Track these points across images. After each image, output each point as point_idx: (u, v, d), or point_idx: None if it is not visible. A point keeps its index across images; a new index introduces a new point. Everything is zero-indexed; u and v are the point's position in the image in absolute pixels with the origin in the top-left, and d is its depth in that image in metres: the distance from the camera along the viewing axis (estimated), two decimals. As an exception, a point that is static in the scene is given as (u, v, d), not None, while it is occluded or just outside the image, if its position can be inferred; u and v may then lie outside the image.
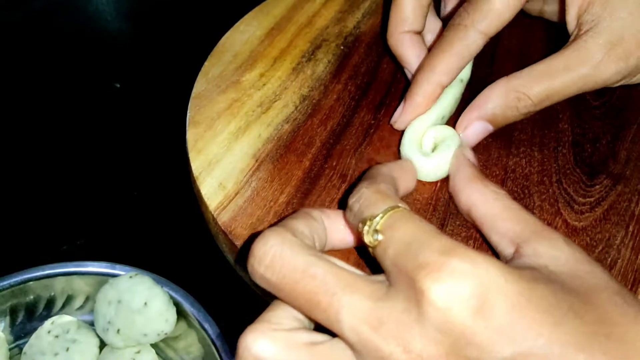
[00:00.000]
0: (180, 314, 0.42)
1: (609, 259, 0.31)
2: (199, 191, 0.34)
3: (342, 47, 0.42)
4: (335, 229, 0.28)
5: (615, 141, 0.37)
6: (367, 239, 0.25)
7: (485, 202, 0.29)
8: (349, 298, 0.22)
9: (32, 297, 0.45)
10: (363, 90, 0.40)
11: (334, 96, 0.39)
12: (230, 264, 0.35)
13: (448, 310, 0.21)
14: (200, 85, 0.40)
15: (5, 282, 0.44)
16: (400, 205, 0.25)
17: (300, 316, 0.24)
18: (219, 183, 0.34)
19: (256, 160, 0.35)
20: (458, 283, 0.21)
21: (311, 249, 0.24)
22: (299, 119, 0.38)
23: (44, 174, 0.55)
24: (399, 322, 0.22)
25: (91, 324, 0.44)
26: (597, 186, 0.35)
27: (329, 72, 0.41)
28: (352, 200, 0.27)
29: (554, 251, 0.25)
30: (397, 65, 0.41)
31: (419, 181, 0.34)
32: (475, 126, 0.34)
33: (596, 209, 0.34)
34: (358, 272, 0.24)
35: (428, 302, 0.21)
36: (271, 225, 0.26)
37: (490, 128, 0.35)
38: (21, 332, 0.46)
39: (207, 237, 0.36)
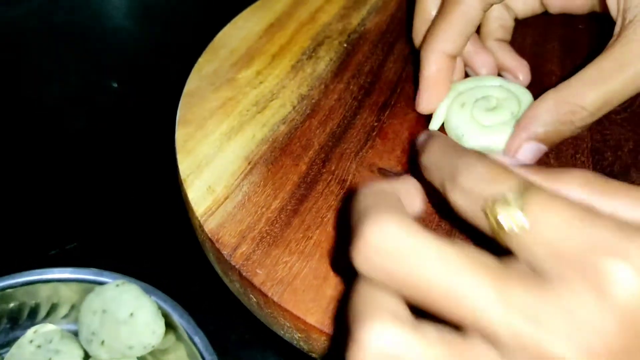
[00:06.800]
0: (169, 325, 0.40)
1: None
2: (186, 195, 0.32)
3: (345, 45, 0.40)
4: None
5: (638, 149, 0.35)
6: (507, 223, 0.20)
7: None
8: (502, 287, 0.19)
9: (15, 304, 0.43)
10: (366, 90, 0.37)
11: (335, 96, 0.37)
12: (219, 275, 0.32)
13: None
14: (193, 82, 0.37)
15: (-12, 288, 0.42)
16: (526, 178, 0.21)
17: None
18: (208, 186, 0.32)
19: (249, 163, 0.33)
20: None
21: (431, 231, 0.20)
22: (297, 120, 0.35)
23: (33, 176, 0.53)
24: (572, 315, 0.18)
25: (76, 333, 0.42)
26: (619, 197, 0.32)
27: (330, 70, 0.38)
28: (466, 179, 0.22)
29: None
30: (402, 65, 0.38)
31: None
32: (526, 149, 0.31)
33: (617, 222, 0.31)
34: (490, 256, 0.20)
35: (615, 287, 0.18)
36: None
37: (543, 148, 0.31)
38: (3, 341, 0.44)
39: (199, 245, 0.33)
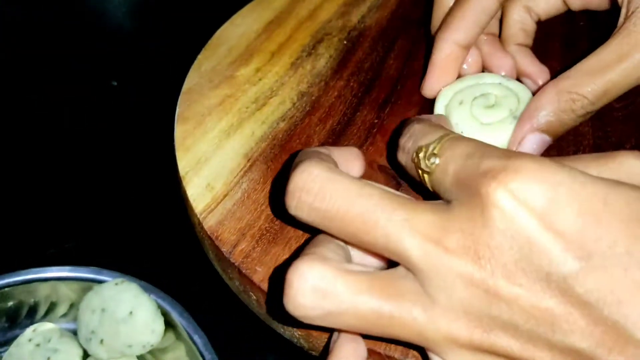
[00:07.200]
0: (168, 324, 0.40)
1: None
2: (185, 192, 0.32)
3: (345, 42, 0.40)
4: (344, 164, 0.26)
5: (640, 146, 0.34)
6: (424, 164, 0.23)
7: None
8: (411, 214, 0.21)
9: (14, 302, 0.43)
10: (366, 87, 0.37)
11: (335, 93, 0.36)
12: (218, 273, 0.32)
13: (513, 211, 0.19)
14: (191, 79, 0.37)
15: (-13, 287, 0.42)
16: (453, 132, 0.24)
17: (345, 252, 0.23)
18: (207, 184, 0.32)
19: (248, 160, 0.33)
20: (522, 182, 0.19)
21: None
22: (296, 117, 0.35)
23: (31, 174, 0.53)
24: (465, 232, 0.20)
25: (75, 332, 0.42)
26: (620, 194, 0.32)
27: (330, 67, 0.38)
28: (404, 140, 0.26)
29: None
30: (403, 62, 0.38)
31: None
32: (530, 140, 0.31)
33: (619, 219, 0.31)
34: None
35: (492, 206, 0.20)
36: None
37: (547, 139, 0.31)
38: (2, 339, 0.44)
39: (199, 243, 0.33)
